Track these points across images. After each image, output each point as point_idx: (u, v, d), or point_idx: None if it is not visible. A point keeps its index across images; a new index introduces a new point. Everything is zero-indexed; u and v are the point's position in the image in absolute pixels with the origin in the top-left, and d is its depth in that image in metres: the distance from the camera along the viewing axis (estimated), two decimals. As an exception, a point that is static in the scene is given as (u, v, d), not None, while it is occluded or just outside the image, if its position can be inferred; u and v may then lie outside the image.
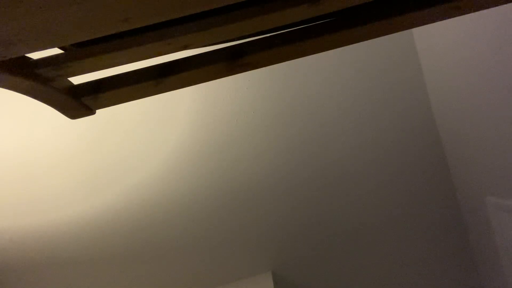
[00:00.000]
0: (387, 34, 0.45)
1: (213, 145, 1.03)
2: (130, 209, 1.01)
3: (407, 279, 0.97)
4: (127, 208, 1.01)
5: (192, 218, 1.00)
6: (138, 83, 0.45)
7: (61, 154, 1.03)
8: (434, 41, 0.93)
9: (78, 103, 0.45)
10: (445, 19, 0.44)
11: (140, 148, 1.03)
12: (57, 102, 0.44)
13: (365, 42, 0.47)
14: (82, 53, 0.38)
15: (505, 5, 0.46)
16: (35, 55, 0.38)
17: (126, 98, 0.47)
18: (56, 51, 0.39)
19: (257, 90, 1.04)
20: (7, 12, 0.27)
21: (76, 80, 0.44)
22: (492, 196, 0.81)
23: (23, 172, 1.02)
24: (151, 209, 1.01)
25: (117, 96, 0.46)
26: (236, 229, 1.00)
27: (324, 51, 0.45)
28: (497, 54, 0.69)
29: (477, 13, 0.45)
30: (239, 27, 0.37)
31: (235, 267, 1.00)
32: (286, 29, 0.44)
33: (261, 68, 0.47)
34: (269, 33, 0.44)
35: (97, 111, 0.48)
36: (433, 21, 0.44)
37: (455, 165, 0.97)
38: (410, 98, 1.02)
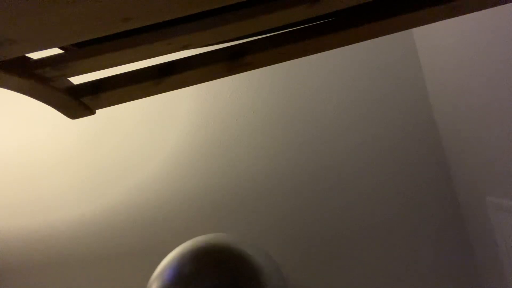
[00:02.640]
0: (387, 34, 0.45)
1: (213, 145, 1.03)
2: (130, 209, 1.01)
3: (406, 279, 0.97)
4: (127, 208, 1.01)
5: (192, 218, 1.01)
6: (138, 83, 0.45)
7: (61, 154, 1.03)
8: (434, 41, 0.93)
9: (78, 103, 0.45)
10: (445, 19, 0.44)
11: (140, 148, 1.03)
12: (57, 102, 0.44)
13: (365, 42, 0.47)
14: (82, 53, 0.38)
15: (505, 5, 0.46)
16: (35, 55, 0.38)
17: (126, 98, 0.47)
18: (56, 51, 0.39)
19: (257, 90, 1.04)
20: (7, 11, 0.27)
21: (76, 80, 0.44)
22: (492, 196, 0.81)
23: (23, 172, 1.02)
24: (152, 209, 1.01)
25: (117, 96, 0.46)
26: (236, 229, 1.00)
27: (324, 51, 0.45)
28: (497, 54, 0.69)
29: (477, 13, 0.45)
30: (239, 27, 0.37)
31: (235, 267, 1.00)
32: (286, 29, 0.44)
33: (261, 68, 0.47)
34: (269, 33, 0.44)
35: (97, 111, 0.48)
36: (433, 21, 0.44)
37: (455, 165, 0.97)
38: (410, 98, 1.02)
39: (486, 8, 0.45)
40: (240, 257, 0.66)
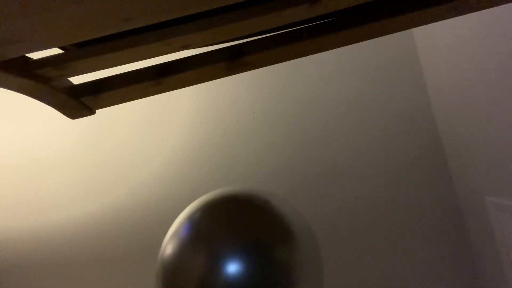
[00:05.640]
0: (387, 34, 0.45)
1: (213, 145, 1.03)
2: (130, 209, 1.01)
3: (406, 279, 0.97)
4: (128, 208, 1.01)
5: (192, 218, 1.00)
6: (138, 83, 0.45)
7: (61, 154, 1.03)
8: (434, 41, 0.93)
9: (78, 103, 0.45)
10: (445, 19, 0.44)
11: (140, 148, 1.03)
12: (57, 102, 0.44)
13: (365, 42, 0.47)
14: (82, 53, 0.38)
15: (505, 5, 0.46)
16: (35, 55, 0.38)
17: (126, 98, 0.47)
18: (56, 51, 0.39)
19: (257, 90, 1.04)
20: (7, 12, 0.27)
21: (76, 80, 0.44)
22: (492, 196, 0.81)
23: (23, 172, 1.02)
24: (152, 209, 1.01)
25: (117, 96, 0.46)
26: (236, 229, 1.00)
27: (324, 51, 0.45)
28: (497, 54, 0.69)
29: (477, 13, 0.45)
30: (239, 27, 0.37)
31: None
32: (286, 29, 0.44)
33: (261, 68, 0.47)
34: (269, 33, 0.44)
35: (97, 111, 0.48)
36: (433, 21, 0.44)
37: (455, 165, 0.97)
38: (410, 98, 1.02)
39: (486, 8, 0.45)
40: (270, 210, 0.56)
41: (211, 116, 1.04)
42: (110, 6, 0.28)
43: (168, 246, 0.56)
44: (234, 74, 0.46)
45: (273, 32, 0.44)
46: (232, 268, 0.49)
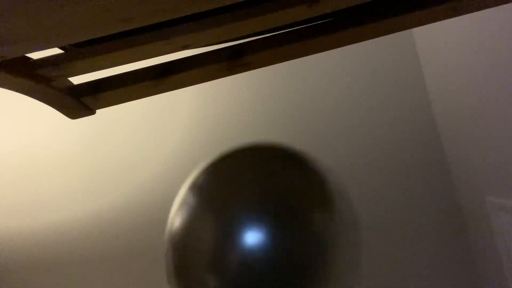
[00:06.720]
0: (387, 34, 0.45)
1: (213, 145, 1.03)
2: (130, 209, 1.01)
3: (407, 279, 0.97)
4: (128, 208, 1.01)
5: (192, 218, 1.00)
6: (138, 83, 0.45)
7: (61, 154, 1.03)
8: (434, 41, 0.93)
9: (78, 103, 0.45)
10: (445, 19, 0.44)
11: (141, 148, 1.03)
12: (57, 102, 0.44)
13: (365, 42, 0.47)
14: (82, 53, 0.38)
15: (505, 5, 0.46)
16: (35, 55, 0.38)
17: (126, 98, 0.47)
18: (56, 51, 0.39)
19: (257, 90, 1.04)
20: (7, 12, 0.27)
21: (76, 80, 0.44)
22: (492, 196, 0.81)
23: (23, 172, 1.02)
24: (152, 209, 1.00)
25: (117, 96, 0.46)
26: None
27: (324, 51, 0.45)
28: (497, 54, 0.69)
29: (477, 13, 0.45)
30: (239, 27, 0.37)
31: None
32: (286, 29, 0.44)
33: (261, 68, 0.47)
34: (269, 33, 0.44)
35: (97, 111, 0.48)
36: (433, 21, 0.44)
37: (455, 165, 0.97)
38: (410, 98, 1.02)
39: (486, 8, 0.45)
40: (301, 167, 0.45)
41: (211, 116, 1.04)
42: (110, 6, 0.28)
43: (176, 217, 0.46)
44: (234, 74, 0.46)
45: (273, 32, 0.44)
46: (251, 238, 0.38)
